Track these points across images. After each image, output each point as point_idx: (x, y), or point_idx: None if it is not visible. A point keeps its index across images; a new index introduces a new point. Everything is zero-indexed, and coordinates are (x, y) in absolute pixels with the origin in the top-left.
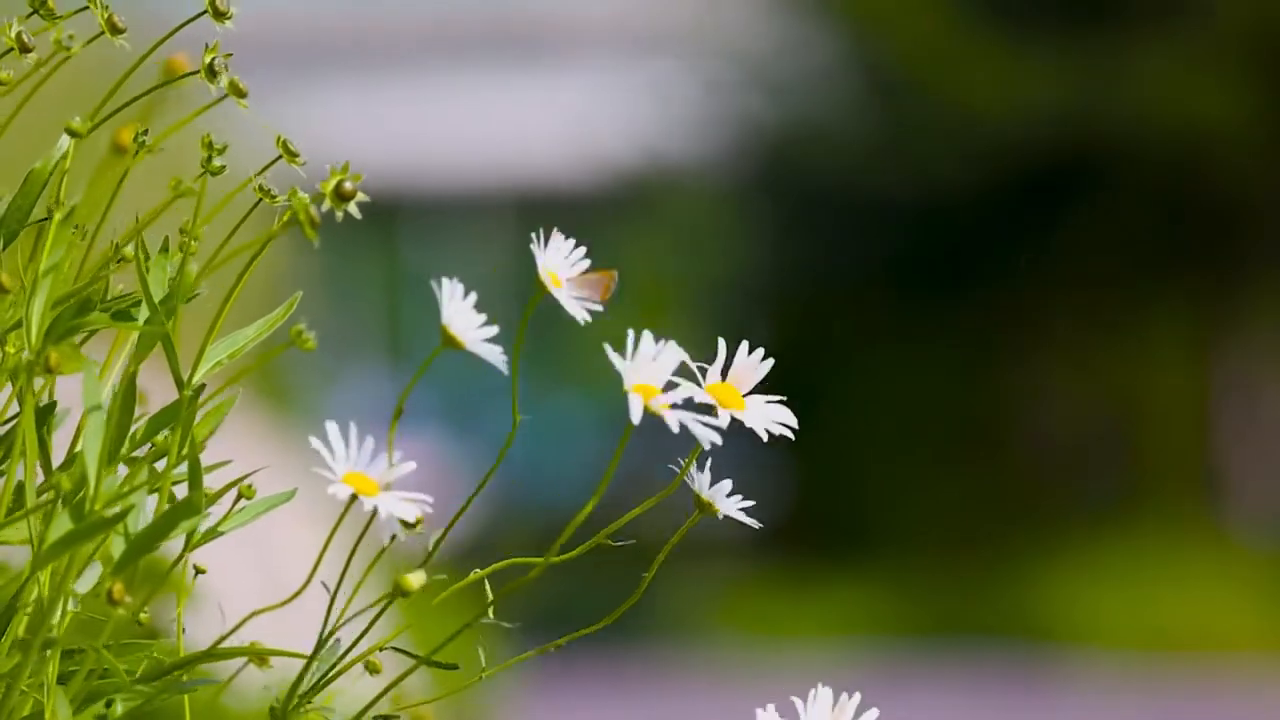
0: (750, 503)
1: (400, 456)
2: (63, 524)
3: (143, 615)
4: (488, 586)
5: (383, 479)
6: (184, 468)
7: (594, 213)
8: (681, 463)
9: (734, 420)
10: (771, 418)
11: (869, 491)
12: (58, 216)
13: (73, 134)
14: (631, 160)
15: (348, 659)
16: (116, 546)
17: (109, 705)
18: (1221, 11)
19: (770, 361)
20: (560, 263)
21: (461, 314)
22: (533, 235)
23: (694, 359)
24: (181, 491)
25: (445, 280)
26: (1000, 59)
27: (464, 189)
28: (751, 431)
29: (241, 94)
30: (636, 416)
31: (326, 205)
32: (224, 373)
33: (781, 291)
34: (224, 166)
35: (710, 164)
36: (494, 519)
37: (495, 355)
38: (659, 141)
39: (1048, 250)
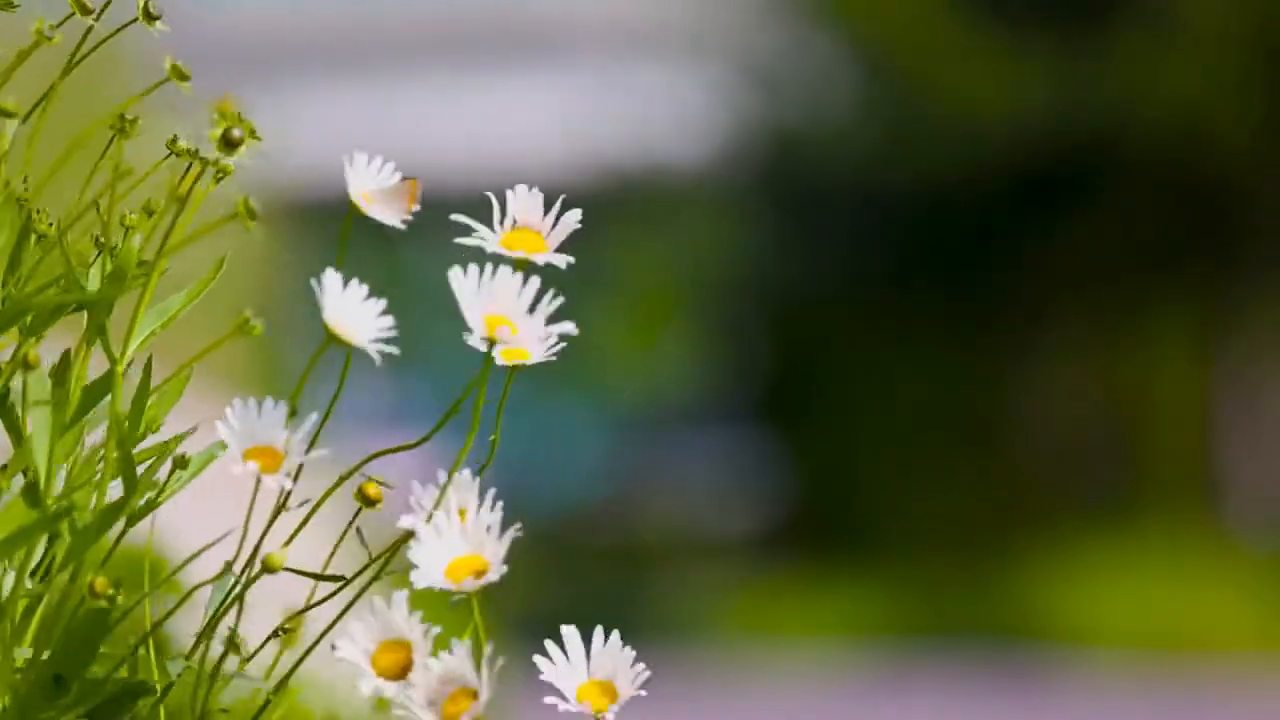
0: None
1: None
2: (13, 518)
3: (111, 593)
4: (383, 480)
5: (284, 448)
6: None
7: (594, 213)
8: (679, 465)
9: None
10: (566, 228)
11: (869, 491)
12: None
13: (6, 114)
14: (631, 160)
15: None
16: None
17: (58, 681)
18: (1220, 8)
19: (539, 194)
20: (370, 181)
21: (350, 307)
22: (344, 160)
23: (693, 359)
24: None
25: (327, 273)
26: (999, 58)
27: (463, 189)
28: (752, 432)
29: (184, 77)
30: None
31: (215, 153)
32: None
33: (781, 291)
34: (195, 150)
35: (710, 164)
36: None
37: (375, 348)
38: (659, 142)
39: (1048, 250)
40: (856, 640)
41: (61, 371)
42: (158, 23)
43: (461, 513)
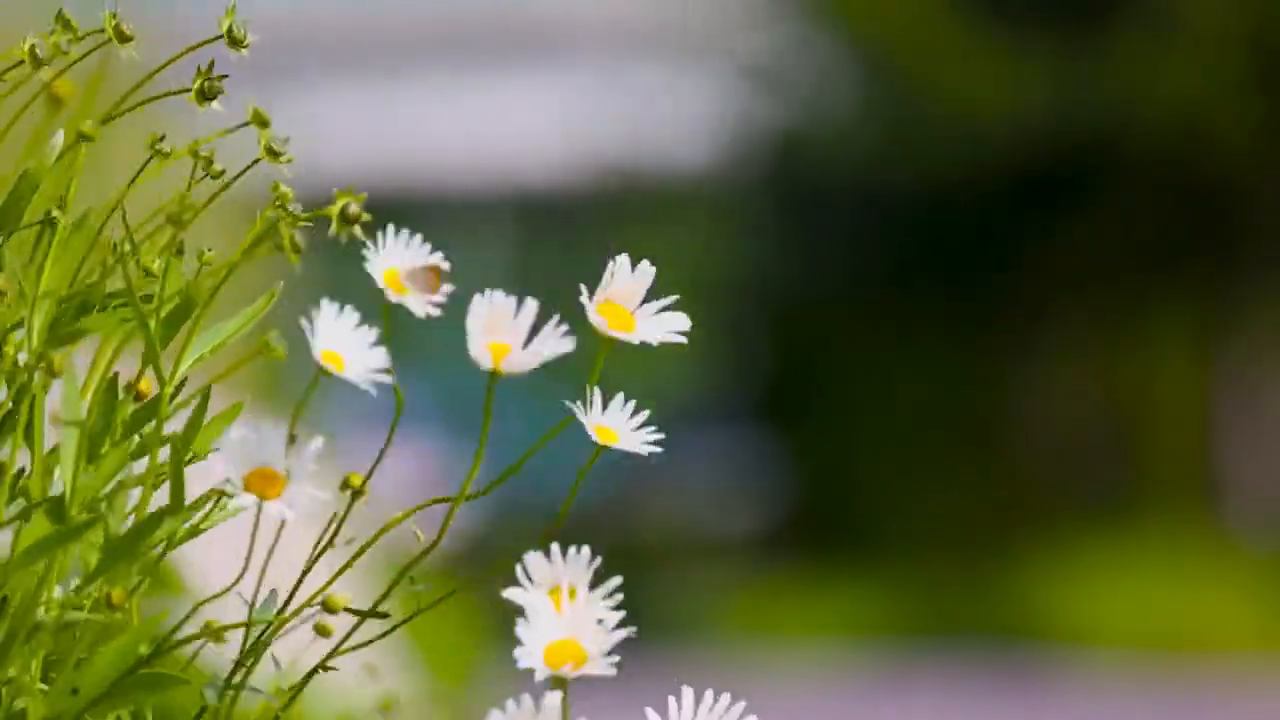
0: (653, 431)
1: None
2: (39, 528)
3: (129, 605)
4: (417, 533)
5: (286, 471)
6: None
7: (594, 213)
8: (679, 465)
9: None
10: (665, 327)
11: (869, 491)
12: (64, 222)
13: (85, 138)
14: (632, 161)
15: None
16: (93, 551)
17: (74, 692)
18: (1220, 8)
19: (652, 270)
20: (400, 262)
21: (341, 337)
22: (369, 242)
23: (693, 359)
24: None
25: (322, 304)
26: (999, 58)
27: (463, 189)
28: (752, 432)
29: (265, 124)
30: (485, 363)
31: (333, 230)
32: (208, 371)
33: (782, 292)
34: (223, 170)
35: (710, 164)
36: (492, 518)
37: (371, 378)
38: (659, 142)
39: (1048, 250)
40: (856, 640)
41: (110, 390)
42: (244, 50)
43: (572, 592)
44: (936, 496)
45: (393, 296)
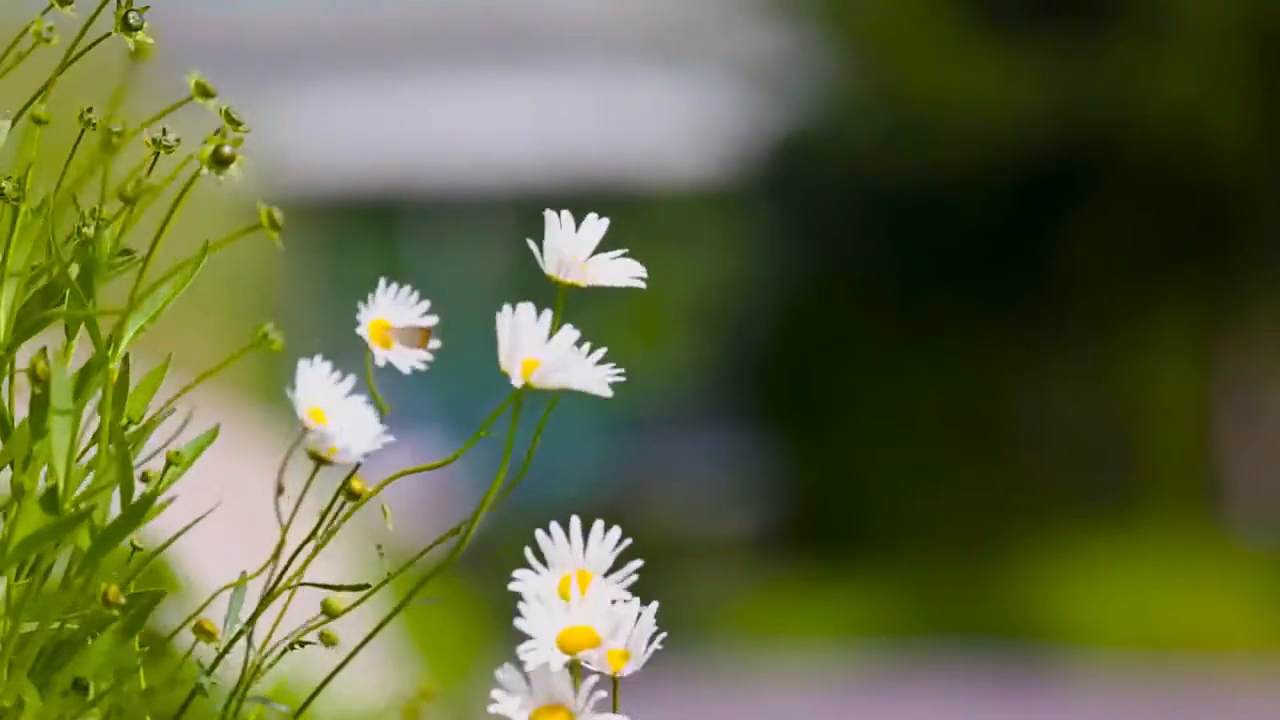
0: (609, 370)
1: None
2: (32, 519)
3: (123, 602)
4: (385, 511)
5: (334, 407)
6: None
7: (592, 213)
8: (676, 469)
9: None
10: (620, 273)
11: (870, 491)
12: (24, 208)
13: (38, 121)
14: (630, 160)
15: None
16: (83, 540)
17: (82, 688)
18: (1220, 8)
19: (603, 223)
20: (389, 314)
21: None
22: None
23: (693, 359)
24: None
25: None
26: (999, 58)
27: (463, 189)
28: (752, 432)
29: (209, 95)
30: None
31: (205, 170)
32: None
33: (783, 293)
34: (174, 143)
35: (710, 164)
36: (491, 517)
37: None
38: (658, 142)
39: (1049, 250)
40: (856, 640)
41: (82, 375)
42: (137, 34)
43: (585, 577)
44: (937, 497)
45: (379, 351)
